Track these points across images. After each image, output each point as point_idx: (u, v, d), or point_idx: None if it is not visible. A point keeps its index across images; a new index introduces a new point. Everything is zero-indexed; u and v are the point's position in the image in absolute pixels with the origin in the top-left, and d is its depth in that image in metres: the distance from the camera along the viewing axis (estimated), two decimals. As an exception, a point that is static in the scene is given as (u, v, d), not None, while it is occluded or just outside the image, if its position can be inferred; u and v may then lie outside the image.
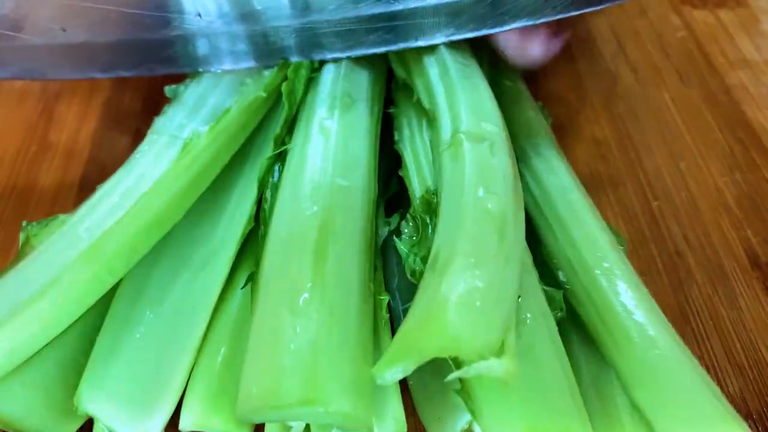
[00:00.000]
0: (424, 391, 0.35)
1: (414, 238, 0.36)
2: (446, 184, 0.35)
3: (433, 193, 0.37)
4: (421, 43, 0.41)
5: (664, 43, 0.61)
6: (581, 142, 0.53)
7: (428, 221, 0.35)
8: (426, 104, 0.41)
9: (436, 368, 0.34)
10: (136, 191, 0.36)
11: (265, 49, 0.40)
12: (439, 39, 0.41)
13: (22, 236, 0.36)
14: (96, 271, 0.32)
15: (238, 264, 0.39)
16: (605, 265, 0.36)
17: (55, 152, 0.54)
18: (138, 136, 0.55)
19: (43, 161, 0.54)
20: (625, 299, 0.34)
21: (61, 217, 0.36)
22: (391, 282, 0.40)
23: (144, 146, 0.39)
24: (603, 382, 0.34)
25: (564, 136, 0.52)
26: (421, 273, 0.32)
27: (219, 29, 0.38)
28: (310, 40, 0.40)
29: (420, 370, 0.29)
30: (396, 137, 0.43)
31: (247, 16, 0.38)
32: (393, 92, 0.47)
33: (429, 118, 0.40)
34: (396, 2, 0.38)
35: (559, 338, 0.33)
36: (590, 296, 0.35)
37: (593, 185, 0.48)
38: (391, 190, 0.44)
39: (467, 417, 0.32)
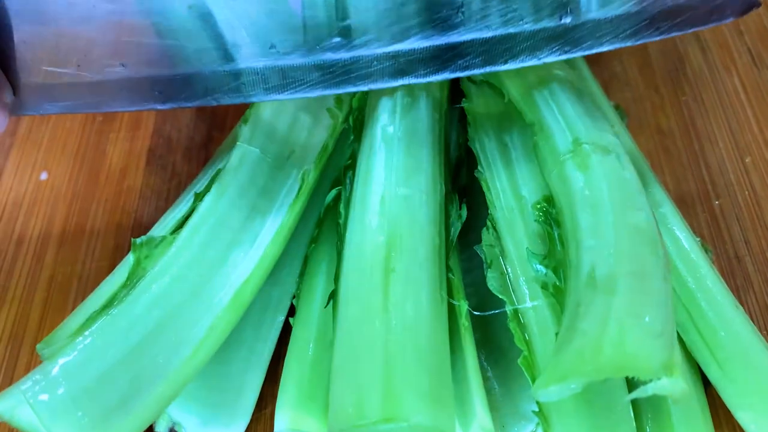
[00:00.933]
0: (490, 397, 0.37)
1: (494, 247, 0.37)
2: (578, 197, 0.35)
3: (547, 202, 0.37)
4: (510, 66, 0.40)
5: (738, 20, 0.58)
6: (645, 131, 0.52)
7: (552, 232, 0.36)
8: (526, 112, 0.40)
9: (503, 375, 0.36)
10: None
11: (340, 79, 0.40)
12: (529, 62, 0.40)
13: (132, 257, 0.37)
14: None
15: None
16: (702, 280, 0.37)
17: (120, 123, 0.56)
18: (200, 111, 0.56)
19: (111, 131, 0.55)
20: (722, 314, 0.36)
21: (168, 238, 0.38)
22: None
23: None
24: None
25: (628, 123, 0.51)
26: (555, 286, 0.33)
27: (292, 62, 0.38)
28: (393, 67, 0.39)
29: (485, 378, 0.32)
30: (470, 133, 0.43)
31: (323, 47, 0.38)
32: (463, 83, 0.46)
33: (529, 124, 0.40)
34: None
35: None
36: (690, 314, 0.37)
37: (654, 179, 0.48)
38: (461, 179, 0.45)
39: (530, 428, 0.34)
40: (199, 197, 0.39)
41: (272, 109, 0.45)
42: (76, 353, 0.33)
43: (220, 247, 0.38)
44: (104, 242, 0.49)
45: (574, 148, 0.36)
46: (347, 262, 0.36)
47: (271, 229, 0.39)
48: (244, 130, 0.42)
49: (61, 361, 0.32)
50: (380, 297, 0.33)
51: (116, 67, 0.38)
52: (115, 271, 0.40)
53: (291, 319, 0.38)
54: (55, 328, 0.38)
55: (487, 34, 0.36)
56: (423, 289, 0.34)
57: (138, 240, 0.37)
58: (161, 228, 0.40)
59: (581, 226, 0.33)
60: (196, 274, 0.36)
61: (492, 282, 0.37)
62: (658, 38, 0.38)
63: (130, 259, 0.37)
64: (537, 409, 0.33)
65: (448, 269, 0.37)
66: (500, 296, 0.37)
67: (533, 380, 0.34)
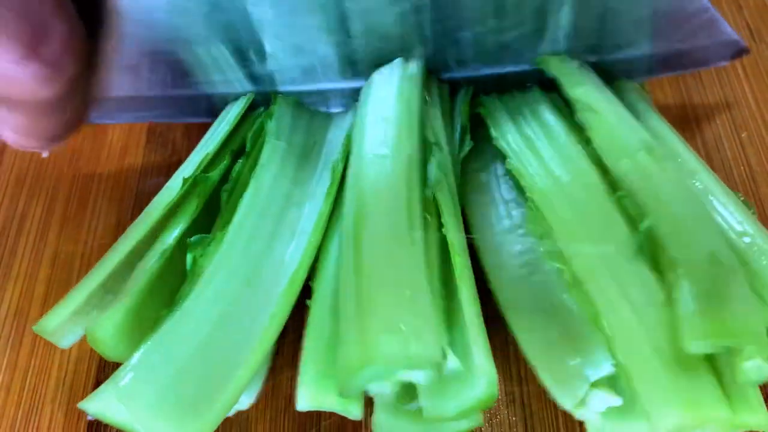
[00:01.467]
0: (549, 354, 0.38)
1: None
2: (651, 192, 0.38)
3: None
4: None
5: (738, -5, 0.58)
6: (642, 107, 0.52)
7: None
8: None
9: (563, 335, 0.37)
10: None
11: None
12: None
13: (189, 256, 0.39)
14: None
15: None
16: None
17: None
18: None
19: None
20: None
21: (218, 235, 0.40)
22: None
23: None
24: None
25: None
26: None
27: None
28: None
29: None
30: (494, 133, 0.46)
31: None
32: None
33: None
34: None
35: None
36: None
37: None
38: (465, 148, 0.46)
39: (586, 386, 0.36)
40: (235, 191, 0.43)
41: (295, 105, 0.49)
42: (152, 352, 0.35)
43: (265, 239, 0.41)
44: (106, 220, 0.50)
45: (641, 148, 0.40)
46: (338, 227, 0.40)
47: (311, 218, 0.42)
48: (271, 126, 0.46)
49: (142, 359, 0.35)
50: (353, 253, 0.36)
51: None
52: (110, 251, 0.41)
53: (308, 301, 0.39)
54: (51, 311, 0.39)
55: None
56: (389, 236, 0.36)
57: (191, 239, 0.40)
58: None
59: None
60: (249, 267, 0.39)
61: None
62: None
63: (187, 258, 0.40)
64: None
65: (428, 210, 0.39)
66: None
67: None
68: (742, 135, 0.50)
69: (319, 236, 0.41)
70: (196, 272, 0.39)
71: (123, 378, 0.34)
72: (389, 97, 0.44)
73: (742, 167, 0.48)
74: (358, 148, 0.42)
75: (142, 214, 0.43)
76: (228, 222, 0.41)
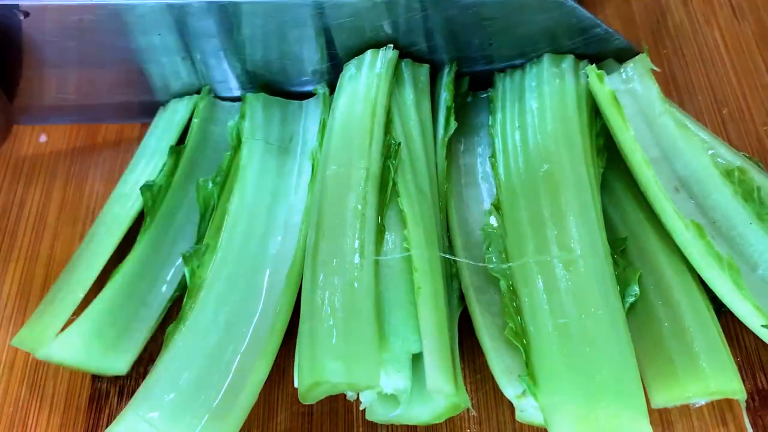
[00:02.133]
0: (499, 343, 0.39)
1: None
2: None
3: None
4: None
5: (721, -28, 0.59)
6: (625, 85, 0.53)
7: None
8: None
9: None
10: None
11: None
12: None
13: (187, 270, 0.41)
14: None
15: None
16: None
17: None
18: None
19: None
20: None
21: (211, 243, 0.42)
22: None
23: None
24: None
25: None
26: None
27: None
28: None
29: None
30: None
31: None
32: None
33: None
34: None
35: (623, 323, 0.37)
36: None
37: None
38: (450, 129, 0.46)
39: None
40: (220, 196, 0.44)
41: (264, 101, 0.49)
42: (167, 367, 0.37)
43: (258, 238, 0.42)
44: (104, 202, 0.51)
45: None
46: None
47: (300, 210, 0.43)
48: (245, 126, 0.47)
49: (158, 376, 0.37)
50: (310, 272, 0.38)
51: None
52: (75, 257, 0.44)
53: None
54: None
55: None
56: (340, 261, 0.37)
57: (186, 253, 0.41)
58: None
59: None
60: (247, 269, 0.41)
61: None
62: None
63: (184, 271, 0.41)
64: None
65: (385, 227, 0.40)
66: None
67: (523, 348, 0.36)
68: (723, 111, 0.51)
69: (308, 227, 0.42)
70: (196, 284, 0.40)
71: (144, 399, 0.36)
72: (354, 101, 0.44)
73: (722, 142, 0.50)
74: (324, 159, 0.42)
75: (97, 222, 0.46)
76: (219, 228, 0.42)
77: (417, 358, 0.36)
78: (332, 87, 0.48)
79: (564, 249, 0.38)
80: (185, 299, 0.40)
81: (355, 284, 0.36)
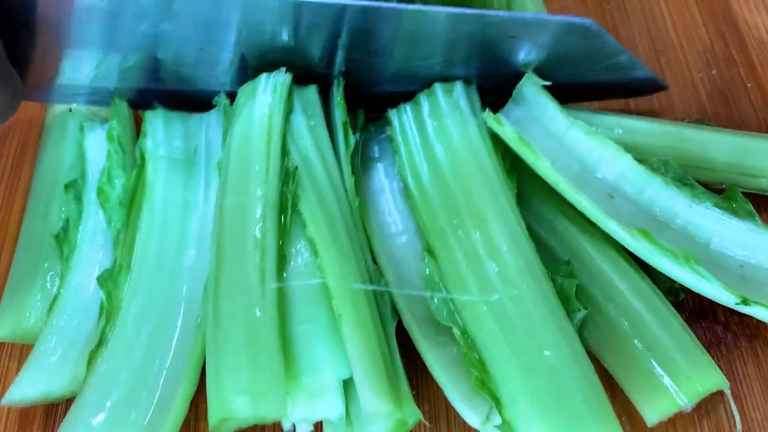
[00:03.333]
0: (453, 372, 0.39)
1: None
2: None
3: None
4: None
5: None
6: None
7: None
8: None
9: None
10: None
11: None
12: None
13: (103, 292, 0.41)
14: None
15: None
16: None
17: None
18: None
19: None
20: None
21: (124, 264, 0.42)
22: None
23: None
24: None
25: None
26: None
27: None
28: None
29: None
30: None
31: None
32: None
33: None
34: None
35: (579, 345, 0.37)
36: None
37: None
38: (351, 145, 0.45)
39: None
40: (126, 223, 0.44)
41: (164, 116, 0.48)
42: (93, 391, 0.38)
43: (172, 253, 0.42)
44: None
45: None
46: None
47: (210, 221, 0.42)
48: (147, 144, 0.46)
49: (84, 401, 0.38)
50: (211, 305, 0.38)
51: None
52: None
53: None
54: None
55: None
56: (241, 292, 0.37)
57: (99, 276, 0.41)
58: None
59: None
60: (163, 286, 0.41)
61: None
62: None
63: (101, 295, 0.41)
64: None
65: (286, 256, 0.39)
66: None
67: (493, 398, 0.36)
68: (662, 60, 0.55)
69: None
70: (113, 305, 0.40)
71: (72, 426, 0.37)
72: (250, 128, 0.43)
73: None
74: (221, 188, 0.42)
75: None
76: (131, 247, 0.42)
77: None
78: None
79: (508, 283, 0.38)
80: (105, 323, 0.40)
81: (258, 314, 0.36)
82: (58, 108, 0.51)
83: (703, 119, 0.50)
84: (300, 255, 0.39)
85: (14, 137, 0.55)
